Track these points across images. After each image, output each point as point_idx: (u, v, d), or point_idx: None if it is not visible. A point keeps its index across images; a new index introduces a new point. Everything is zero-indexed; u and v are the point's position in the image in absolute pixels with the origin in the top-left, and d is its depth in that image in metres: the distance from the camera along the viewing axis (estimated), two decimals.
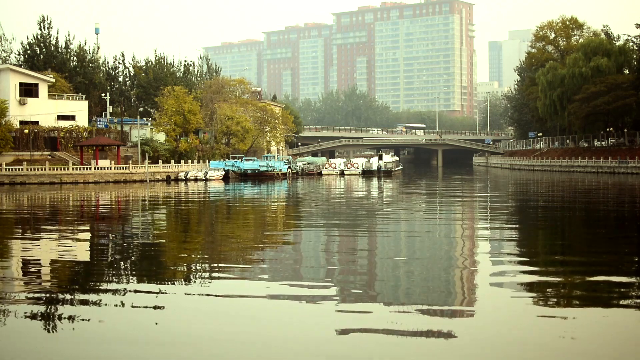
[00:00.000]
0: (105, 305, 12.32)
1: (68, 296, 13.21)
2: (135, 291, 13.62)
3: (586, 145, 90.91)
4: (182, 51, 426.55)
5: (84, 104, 76.70)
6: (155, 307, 12.17)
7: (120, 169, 66.12)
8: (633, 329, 10.64)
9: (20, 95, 70.23)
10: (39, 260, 18.09)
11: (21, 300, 12.78)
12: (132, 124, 77.81)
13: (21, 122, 69.00)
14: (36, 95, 71.29)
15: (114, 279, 15.07)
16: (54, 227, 26.61)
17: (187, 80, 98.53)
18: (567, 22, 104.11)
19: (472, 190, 52.04)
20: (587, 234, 23.23)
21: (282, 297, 12.89)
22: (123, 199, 44.07)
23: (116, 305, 12.28)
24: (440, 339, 10.12)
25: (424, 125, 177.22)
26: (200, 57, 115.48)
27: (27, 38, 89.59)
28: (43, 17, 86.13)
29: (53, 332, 10.70)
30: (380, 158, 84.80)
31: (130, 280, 14.84)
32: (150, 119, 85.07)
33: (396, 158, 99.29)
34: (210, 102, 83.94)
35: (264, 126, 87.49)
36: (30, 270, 16.47)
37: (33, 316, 11.54)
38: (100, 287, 14.07)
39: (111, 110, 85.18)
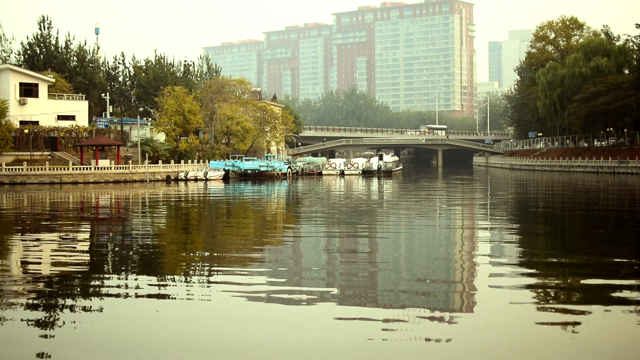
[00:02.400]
0: (104, 305, 12.33)
1: (66, 297, 13.21)
2: (136, 295, 13.63)
3: (586, 145, 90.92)
4: (182, 51, 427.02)
5: (84, 104, 76.70)
6: (153, 310, 12.17)
7: (120, 169, 66.10)
8: (632, 330, 10.63)
9: (20, 95, 70.23)
10: (37, 260, 18.08)
11: (20, 301, 12.77)
12: (132, 124, 77.81)
13: (21, 122, 69.00)
14: (36, 95, 71.30)
15: (111, 281, 15.06)
16: (54, 228, 26.59)
17: (187, 80, 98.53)
18: (567, 22, 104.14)
19: (472, 190, 52.04)
20: (587, 234, 23.22)
21: (281, 300, 12.88)
22: (123, 200, 44.06)
23: (115, 306, 12.28)
24: (440, 340, 10.12)
25: (445, 127, 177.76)
26: (200, 57, 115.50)
27: (27, 38, 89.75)
28: (43, 17, 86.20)
29: (51, 332, 10.71)
30: (380, 158, 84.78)
31: (129, 284, 14.81)
32: (150, 119, 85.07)
33: (396, 158, 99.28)
34: (210, 102, 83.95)
35: (264, 126, 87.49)
36: (29, 270, 16.45)
37: (31, 316, 11.55)
38: (98, 288, 14.07)
39: (111, 110, 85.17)
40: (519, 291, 13.11)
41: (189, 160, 74.81)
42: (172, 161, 73.01)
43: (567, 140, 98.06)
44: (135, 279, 14.97)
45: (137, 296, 13.24)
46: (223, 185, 60.93)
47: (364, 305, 12.16)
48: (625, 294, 12.86)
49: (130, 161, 69.33)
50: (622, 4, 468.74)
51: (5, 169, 61.69)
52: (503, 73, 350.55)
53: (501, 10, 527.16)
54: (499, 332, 10.56)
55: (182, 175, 69.00)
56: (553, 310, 11.66)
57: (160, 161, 70.89)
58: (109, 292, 13.51)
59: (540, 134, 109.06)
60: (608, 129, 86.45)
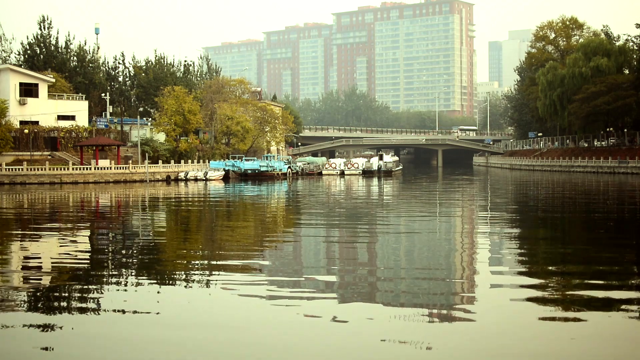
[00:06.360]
0: (104, 305, 12.34)
1: (66, 296, 13.22)
2: (135, 291, 13.64)
3: (586, 145, 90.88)
4: (182, 51, 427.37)
5: (84, 104, 76.70)
6: (153, 312, 12.18)
7: (120, 169, 66.11)
8: (633, 331, 10.63)
9: (20, 95, 70.23)
10: (38, 260, 18.08)
11: (20, 300, 12.78)
12: (132, 124, 77.81)
13: (21, 122, 69.00)
14: (36, 95, 71.29)
15: (109, 284, 15.06)
16: (54, 227, 26.58)
17: (187, 80, 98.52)
18: (567, 22, 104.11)
19: (472, 190, 52.04)
20: (587, 235, 23.20)
21: (281, 300, 12.89)
22: (123, 200, 44.06)
23: (115, 306, 12.28)
24: (439, 340, 10.12)
25: (475, 127, 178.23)
26: (200, 57, 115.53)
27: (27, 38, 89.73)
28: (43, 17, 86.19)
29: (51, 332, 10.71)
30: (381, 158, 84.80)
31: (129, 283, 14.82)
32: (150, 119, 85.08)
33: (396, 158, 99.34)
34: (210, 102, 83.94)
35: (264, 126, 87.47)
36: (29, 270, 16.45)
37: (32, 316, 11.56)
38: (96, 290, 14.07)
39: (111, 110, 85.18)
40: (520, 291, 13.11)
41: (189, 160, 74.82)
42: (172, 161, 73.01)
43: (567, 140, 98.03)
44: (135, 281, 14.95)
45: (136, 299, 13.23)
46: (223, 185, 60.92)
47: (363, 304, 12.15)
48: (626, 294, 12.86)
49: (130, 161, 69.33)
50: (622, 4, 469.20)
51: (5, 169, 61.70)
52: (503, 73, 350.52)
53: (501, 10, 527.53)
54: (500, 332, 10.56)
55: (182, 175, 68.99)
56: (553, 311, 11.66)
57: (160, 161, 70.88)
58: (106, 296, 13.51)
59: (540, 134, 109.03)
60: (608, 129, 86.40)
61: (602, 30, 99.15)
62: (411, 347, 9.70)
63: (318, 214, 32.36)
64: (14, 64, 78.71)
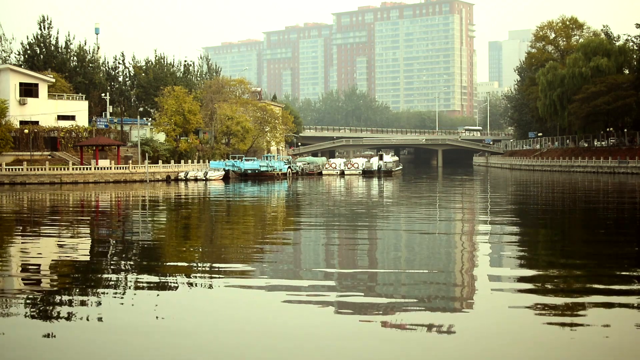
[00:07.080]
0: (104, 304, 12.34)
1: (66, 296, 13.22)
2: (135, 290, 13.64)
3: (586, 145, 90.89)
4: (182, 51, 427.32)
5: (84, 104, 76.69)
6: (153, 312, 12.18)
7: (120, 169, 66.10)
8: (633, 332, 10.63)
9: (20, 95, 70.22)
10: (38, 260, 18.07)
11: (21, 300, 12.77)
12: (132, 124, 77.81)
13: (21, 122, 68.99)
14: (36, 95, 71.28)
15: (109, 287, 15.06)
16: (54, 227, 26.58)
17: (187, 80, 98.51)
18: (567, 22, 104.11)
19: (472, 190, 52.04)
20: (587, 235, 23.20)
21: (281, 302, 12.89)
22: (123, 199, 44.05)
23: (115, 304, 12.28)
24: (438, 340, 10.12)
25: (480, 128, 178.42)
26: (200, 57, 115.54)
27: (27, 38, 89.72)
28: (43, 17, 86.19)
29: (51, 333, 10.71)
30: (381, 158, 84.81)
31: (128, 287, 14.81)
32: (150, 119, 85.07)
33: (396, 158, 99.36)
34: (210, 102, 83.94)
35: (264, 126, 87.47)
36: (30, 269, 16.45)
37: (32, 315, 11.55)
38: (99, 287, 14.07)
39: (111, 110, 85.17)
40: (520, 291, 13.12)
41: (189, 160, 74.81)
42: (172, 161, 73.00)
43: (567, 140, 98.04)
44: (134, 285, 14.93)
45: (135, 302, 13.23)
46: (223, 185, 60.91)
47: (362, 308, 12.14)
48: (627, 293, 12.85)
49: (130, 161, 69.32)
50: (622, 4, 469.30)
51: (5, 169, 61.68)
52: (503, 73, 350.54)
53: (501, 10, 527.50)
54: (500, 330, 10.55)
55: (182, 175, 68.98)
56: (552, 313, 11.65)
57: (160, 161, 70.88)
58: (106, 299, 13.51)
59: (540, 134, 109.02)
60: (608, 129, 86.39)
61: (602, 30, 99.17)
62: (412, 349, 9.70)
63: (318, 214, 32.35)
64: (14, 64, 78.70)
